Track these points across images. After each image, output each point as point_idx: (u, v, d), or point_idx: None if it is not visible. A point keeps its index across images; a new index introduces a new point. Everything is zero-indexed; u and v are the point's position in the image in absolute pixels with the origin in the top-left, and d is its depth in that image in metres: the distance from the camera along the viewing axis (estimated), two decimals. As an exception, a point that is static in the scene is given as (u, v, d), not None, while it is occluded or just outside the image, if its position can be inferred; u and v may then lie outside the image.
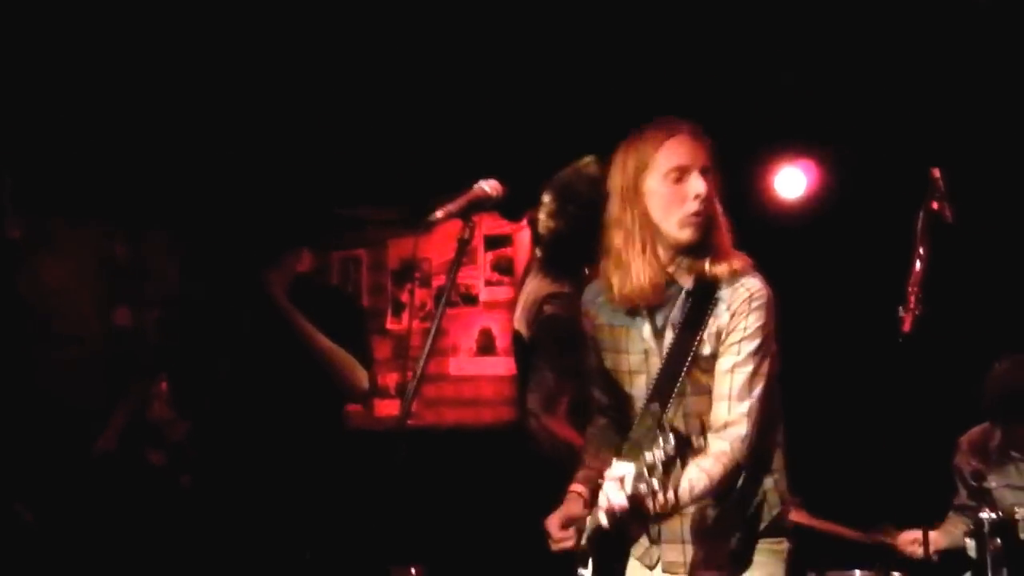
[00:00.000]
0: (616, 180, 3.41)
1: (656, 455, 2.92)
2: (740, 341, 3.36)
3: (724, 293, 3.36)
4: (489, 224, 7.67)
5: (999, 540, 4.56)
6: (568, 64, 6.19)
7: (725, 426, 3.32)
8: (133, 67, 5.91)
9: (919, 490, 5.33)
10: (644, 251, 3.33)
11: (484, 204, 3.08)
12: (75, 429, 6.03)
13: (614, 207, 3.40)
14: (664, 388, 3.34)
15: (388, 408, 8.02)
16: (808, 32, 6.08)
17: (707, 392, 3.36)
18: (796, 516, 5.20)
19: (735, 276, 3.39)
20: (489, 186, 3.07)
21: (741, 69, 6.38)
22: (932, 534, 5.18)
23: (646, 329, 3.42)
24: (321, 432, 4.78)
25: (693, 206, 3.30)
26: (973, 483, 5.20)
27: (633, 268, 3.33)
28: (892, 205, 4.77)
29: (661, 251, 3.36)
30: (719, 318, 3.35)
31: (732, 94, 6.52)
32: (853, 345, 6.37)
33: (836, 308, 6.91)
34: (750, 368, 3.35)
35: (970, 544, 4.65)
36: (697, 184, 3.30)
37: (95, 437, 5.84)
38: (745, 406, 3.33)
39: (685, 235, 3.33)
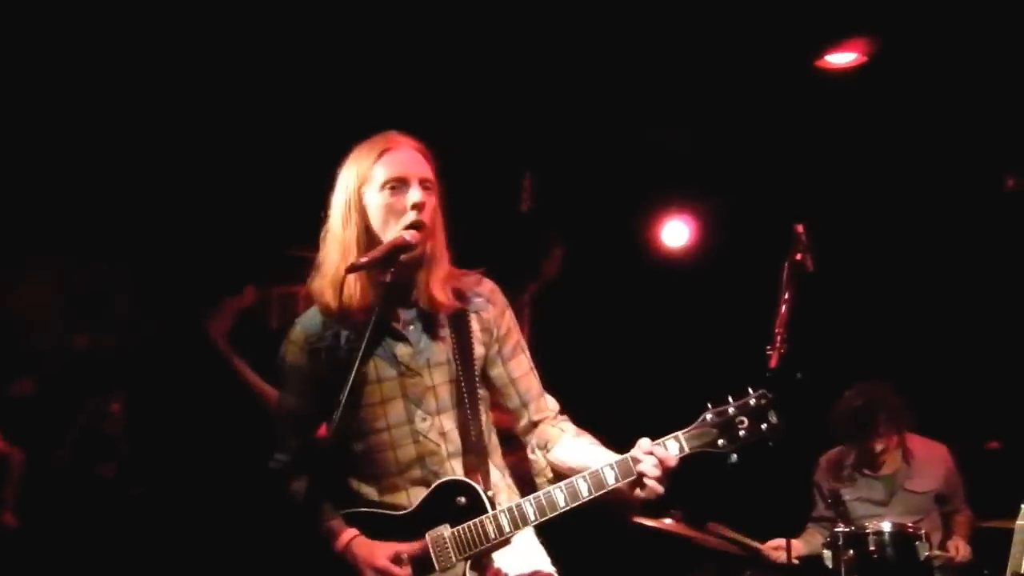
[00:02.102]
0: (337, 197, 3.03)
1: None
2: (519, 340, 3.18)
3: (479, 301, 3.10)
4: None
5: (851, 551, 4.58)
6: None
7: (557, 416, 3.19)
8: (93, 110, 5.73)
9: (784, 503, 5.35)
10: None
11: (404, 250, 3.00)
12: (37, 443, 5.86)
13: (334, 224, 3.02)
14: (461, 401, 3.04)
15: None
16: (697, 97, 6.10)
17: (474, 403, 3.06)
18: (676, 527, 5.22)
19: (478, 282, 3.13)
20: (410, 235, 3.00)
21: (630, 128, 6.37)
22: (794, 542, 5.19)
23: (399, 350, 3.03)
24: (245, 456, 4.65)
25: (411, 216, 2.96)
26: (830, 498, 5.22)
27: (347, 284, 2.95)
28: (762, 255, 4.78)
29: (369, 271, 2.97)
30: (484, 324, 3.10)
31: (622, 152, 6.54)
32: (727, 377, 6.36)
33: (713, 345, 6.94)
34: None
35: (827, 554, 4.67)
36: (414, 194, 2.96)
37: (54, 450, 5.68)
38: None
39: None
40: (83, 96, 5.47)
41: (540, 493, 2.96)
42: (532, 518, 2.95)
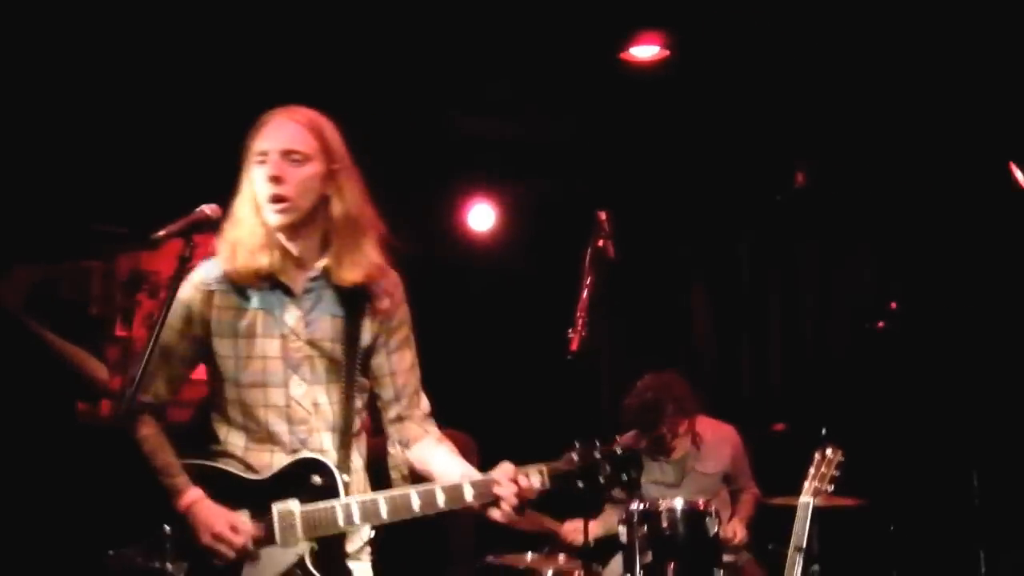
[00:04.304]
0: (243, 169, 3.01)
1: None
2: (408, 336, 3.15)
3: (379, 291, 3.06)
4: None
5: (645, 527, 4.68)
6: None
7: (425, 417, 3.17)
8: None
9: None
10: (252, 237, 2.95)
11: (204, 225, 2.93)
12: None
13: (238, 195, 3.00)
14: (338, 380, 3.02)
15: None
16: (506, 84, 6.13)
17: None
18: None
19: (383, 272, 3.08)
20: (210, 209, 2.92)
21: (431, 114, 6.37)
22: (591, 524, 5.27)
23: (289, 314, 3.00)
24: (54, 428, 4.46)
25: (267, 189, 2.91)
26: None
27: (247, 248, 2.94)
28: (566, 240, 4.84)
29: (267, 235, 2.96)
30: (378, 314, 3.06)
31: (430, 137, 6.53)
32: (531, 360, 6.44)
33: (518, 328, 7.01)
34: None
35: (622, 531, 4.75)
36: (269, 168, 2.90)
37: None
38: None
39: (271, 220, 2.93)
40: None
41: (396, 493, 2.95)
42: (384, 516, 2.92)
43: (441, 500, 2.94)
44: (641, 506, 4.75)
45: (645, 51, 5.71)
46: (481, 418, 5.54)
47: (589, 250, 4.36)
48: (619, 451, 3.05)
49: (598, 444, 3.04)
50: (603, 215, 4.42)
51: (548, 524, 5.48)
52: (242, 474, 2.98)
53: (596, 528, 5.40)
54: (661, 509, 4.72)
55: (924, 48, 5.47)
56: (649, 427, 5.48)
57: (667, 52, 5.72)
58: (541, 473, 2.97)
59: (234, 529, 2.89)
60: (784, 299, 7.06)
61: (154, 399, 3.05)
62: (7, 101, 5.39)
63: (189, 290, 3.03)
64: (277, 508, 2.90)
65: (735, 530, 5.27)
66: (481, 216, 7.33)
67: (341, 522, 2.91)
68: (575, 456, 3.02)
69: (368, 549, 3.10)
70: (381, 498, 2.94)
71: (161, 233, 2.85)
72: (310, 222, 2.99)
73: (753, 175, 6.85)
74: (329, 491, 2.93)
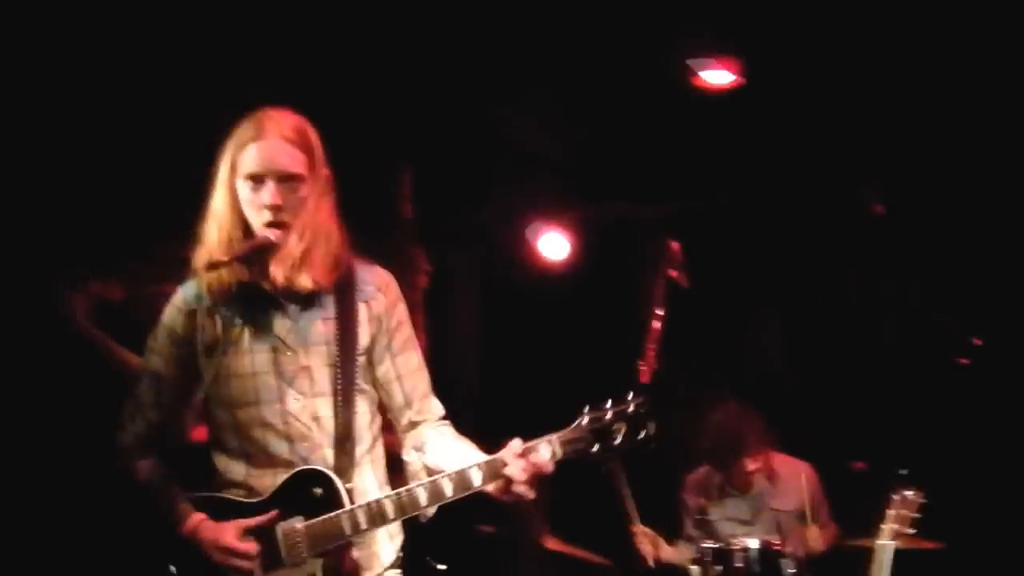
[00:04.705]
0: (219, 172, 2.90)
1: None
2: (411, 336, 3.03)
3: (369, 290, 2.96)
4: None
5: (719, 567, 4.58)
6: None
7: (440, 420, 3.05)
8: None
9: (656, 516, 5.33)
10: (231, 247, 2.84)
11: (268, 250, 2.88)
12: None
13: (215, 200, 2.90)
14: (339, 388, 2.89)
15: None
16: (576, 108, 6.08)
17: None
18: (551, 544, 5.17)
19: (371, 271, 3.00)
20: (275, 235, 2.88)
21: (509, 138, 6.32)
22: (664, 546, 5.16)
23: (278, 324, 2.90)
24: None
25: (266, 215, 2.82)
26: (697, 516, 5.21)
27: (226, 259, 2.84)
28: (637, 270, 4.78)
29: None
30: (372, 313, 2.95)
31: (499, 162, 6.49)
32: (602, 391, 6.35)
33: (587, 358, 6.94)
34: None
35: (695, 570, 4.67)
36: (266, 195, 2.81)
37: None
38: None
39: (271, 238, 2.85)
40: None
41: (402, 490, 2.82)
42: (391, 516, 2.80)
43: (449, 489, 2.79)
44: (715, 545, 4.65)
45: (718, 76, 5.63)
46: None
47: (660, 280, 4.30)
48: (631, 408, 2.85)
49: (609, 404, 2.86)
50: (675, 245, 4.38)
51: (632, 514, 5.28)
52: (243, 499, 2.87)
53: (668, 551, 5.28)
54: (735, 548, 4.63)
55: (999, 72, 5.33)
56: (725, 460, 5.36)
57: (740, 79, 5.63)
58: (551, 444, 2.80)
59: (243, 537, 2.79)
60: (863, 332, 6.91)
61: (148, 431, 2.96)
62: (105, 127, 5.42)
63: (172, 313, 2.97)
64: (280, 527, 2.80)
65: (814, 534, 5.08)
66: (553, 244, 7.29)
67: (348, 530, 2.79)
68: (586, 420, 2.84)
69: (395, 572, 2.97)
70: (385, 499, 2.81)
71: (224, 259, 2.82)
72: None
73: (827, 203, 6.73)
74: (331, 502, 2.81)
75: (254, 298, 2.89)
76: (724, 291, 7.01)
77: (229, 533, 2.79)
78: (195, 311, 2.92)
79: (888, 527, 4.53)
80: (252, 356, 2.89)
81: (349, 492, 2.82)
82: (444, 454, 2.94)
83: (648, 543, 5.02)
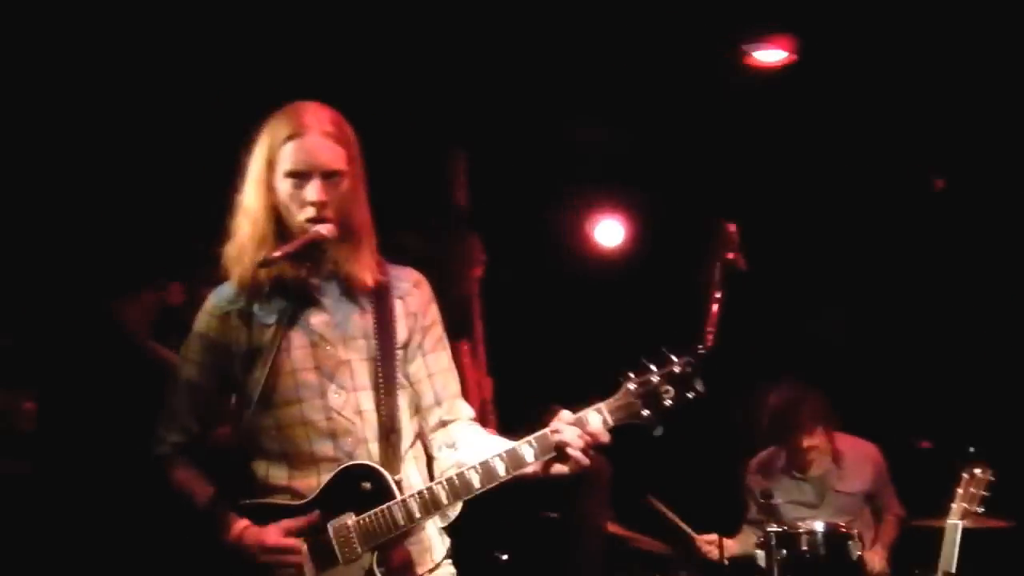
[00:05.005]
0: (251, 168, 2.87)
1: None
2: (442, 336, 2.97)
3: (404, 287, 2.92)
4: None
5: (784, 551, 4.53)
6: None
7: (471, 421, 2.98)
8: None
9: (716, 503, 5.29)
10: (264, 244, 2.81)
11: (320, 245, 2.88)
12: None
13: (247, 195, 2.87)
14: (379, 381, 2.84)
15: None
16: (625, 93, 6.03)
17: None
18: (613, 528, 5.16)
19: (404, 271, 2.96)
20: (326, 229, 2.88)
21: (558, 125, 6.28)
22: (727, 541, 5.13)
23: (316, 319, 2.85)
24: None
25: (310, 211, 2.79)
26: (761, 500, 5.17)
27: (260, 255, 2.80)
28: (693, 253, 4.73)
29: (278, 240, 2.83)
30: (409, 309, 2.91)
31: (553, 149, 6.46)
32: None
33: (647, 343, 6.89)
34: None
35: (760, 554, 4.62)
36: (312, 192, 2.78)
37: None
38: None
39: (321, 232, 2.81)
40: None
41: (453, 474, 2.76)
42: (445, 501, 2.74)
43: (501, 469, 2.72)
44: (780, 529, 4.60)
45: (771, 55, 5.57)
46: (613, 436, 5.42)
47: (718, 263, 4.25)
48: (678, 369, 2.74)
49: (654, 367, 2.76)
50: (732, 227, 4.33)
51: (685, 528, 5.31)
52: (289, 502, 2.82)
53: (733, 546, 5.25)
54: (801, 532, 4.57)
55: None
56: (785, 434, 5.31)
57: (793, 56, 5.56)
58: (600, 411, 2.72)
59: (288, 535, 2.76)
60: (924, 311, 6.80)
61: (186, 438, 2.93)
62: (167, 135, 5.47)
63: (204, 319, 2.92)
64: (332, 525, 2.76)
65: (875, 559, 5.04)
66: (608, 231, 7.27)
67: (402, 521, 2.74)
68: (632, 386, 2.74)
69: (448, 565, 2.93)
70: (437, 484, 2.76)
71: (276, 254, 2.79)
72: None
73: (884, 182, 6.63)
74: (382, 494, 2.76)
75: (290, 294, 2.85)
76: (783, 272, 6.95)
77: (273, 534, 2.76)
78: (229, 314, 2.88)
79: (957, 506, 4.46)
80: (291, 353, 2.84)
81: (398, 483, 2.78)
82: (479, 447, 2.86)
83: (713, 548, 5.00)
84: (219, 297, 2.91)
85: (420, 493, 2.76)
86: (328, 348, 2.85)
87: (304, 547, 2.75)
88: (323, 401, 2.82)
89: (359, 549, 2.75)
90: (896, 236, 6.86)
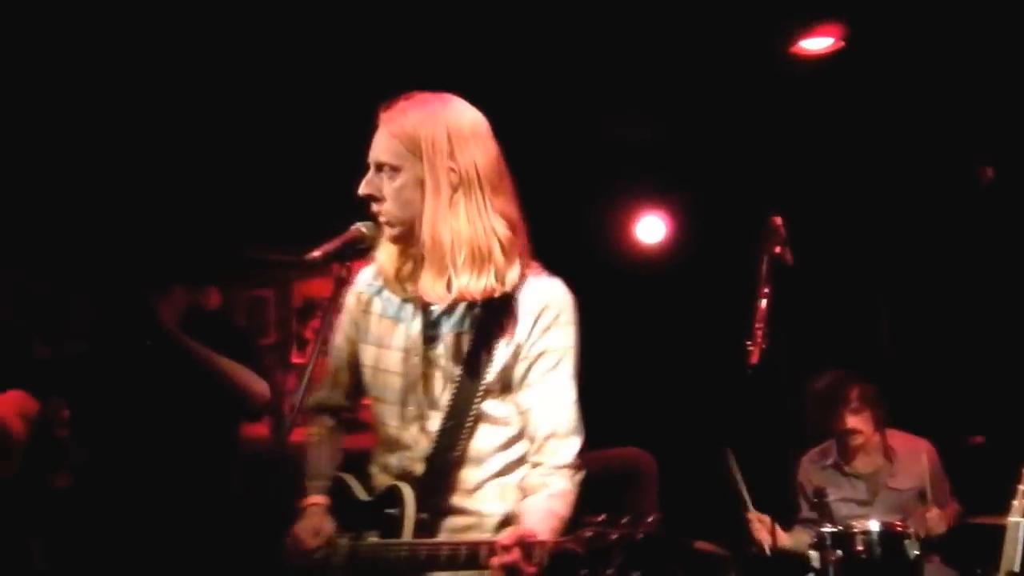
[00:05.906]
0: None
1: None
2: (558, 365, 2.71)
3: (521, 310, 2.69)
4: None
5: (839, 551, 4.41)
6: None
7: (559, 468, 2.73)
8: (39, 104, 5.49)
9: (769, 500, 5.18)
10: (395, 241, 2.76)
11: (359, 243, 2.79)
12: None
13: None
14: (455, 407, 2.71)
15: (298, 433, 7.72)
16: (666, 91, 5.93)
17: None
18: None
19: (533, 287, 2.73)
20: (365, 227, 2.79)
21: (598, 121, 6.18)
22: (779, 532, 4.99)
23: (415, 326, 2.77)
24: (213, 451, 4.43)
25: (373, 203, 2.73)
26: (814, 498, 5.05)
27: (393, 252, 2.79)
28: (738, 248, 4.64)
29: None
30: (516, 335, 2.69)
31: (596, 147, 6.37)
32: (710, 374, 6.24)
33: (693, 341, 6.84)
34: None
35: (813, 555, 4.49)
36: (363, 183, 2.72)
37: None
38: None
39: (382, 231, 2.75)
40: (27, 90, 5.23)
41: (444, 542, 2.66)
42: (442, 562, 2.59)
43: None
44: (834, 529, 4.48)
45: (818, 43, 5.44)
46: (660, 435, 5.42)
47: (765, 258, 4.18)
48: (642, 537, 2.39)
49: (621, 524, 2.41)
50: (778, 220, 4.27)
51: (745, 498, 5.03)
52: (356, 495, 2.83)
53: (784, 538, 5.07)
54: (856, 531, 4.45)
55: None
56: (829, 414, 5.19)
57: (840, 43, 5.44)
58: (543, 546, 2.44)
59: (314, 534, 2.73)
60: (976, 304, 6.68)
61: (327, 401, 2.98)
62: (193, 133, 5.46)
63: (351, 297, 2.92)
64: (340, 541, 2.74)
65: (934, 515, 4.87)
66: (651, 227, 7.22)
67: (402, 567, 2.62)
68: (588, 534, 2.42)
69: None
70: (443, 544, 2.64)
71: (316, 254, 2.70)
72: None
73: (931, 172, 6.52)
74: (397, 525, 2.69)
75: (411, 296, 2.79)
76: (830, 266, 6.86)
77: (306, 528, 2.74)
78: (362, 293, 2.90)
79: (1020, 503, 4.32)
80: (388, 352, 2.81)
81: (421, 522, 2.66)
82: (527, 512, 2.65)
83: (764, 530, 4.87)
84: (363, 277, 2.92)
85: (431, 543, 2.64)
86: (415, 359, 2.77)
87: (316, 552, 2.73)
88: (400, 408, 2.78)
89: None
90: (947, 226, 6.75)
